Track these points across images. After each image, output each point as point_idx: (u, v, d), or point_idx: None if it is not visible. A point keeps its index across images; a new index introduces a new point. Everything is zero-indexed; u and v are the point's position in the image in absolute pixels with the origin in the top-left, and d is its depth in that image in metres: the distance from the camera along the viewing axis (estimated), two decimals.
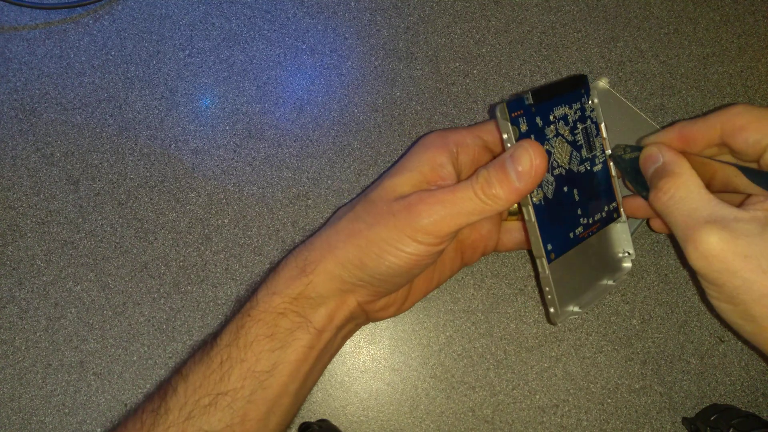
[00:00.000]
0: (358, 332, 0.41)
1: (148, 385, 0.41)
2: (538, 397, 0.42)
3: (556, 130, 0.34)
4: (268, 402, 0.32)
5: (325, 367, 0.36)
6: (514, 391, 0.42)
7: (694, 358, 0.42)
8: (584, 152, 0.36)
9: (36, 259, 0.42)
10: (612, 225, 0.38)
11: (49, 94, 0.44)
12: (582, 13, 0.46)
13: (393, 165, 0.35)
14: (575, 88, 0.35)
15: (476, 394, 0.41)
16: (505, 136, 0.31)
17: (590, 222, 0.36)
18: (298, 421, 0.40)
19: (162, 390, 0.33)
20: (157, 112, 0.44)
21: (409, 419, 0.41)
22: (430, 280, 0.37)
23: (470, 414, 0.41)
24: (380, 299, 0.35)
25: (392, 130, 0.44)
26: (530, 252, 0.34)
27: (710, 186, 0.31)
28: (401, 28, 0.46)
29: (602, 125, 0.37)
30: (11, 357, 0.41)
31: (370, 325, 0.42)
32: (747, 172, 0.31)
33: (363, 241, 0.32)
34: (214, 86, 0.44)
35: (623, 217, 0.38)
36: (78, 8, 0.45)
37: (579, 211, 0.35)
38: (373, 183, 0.35)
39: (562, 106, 0.34)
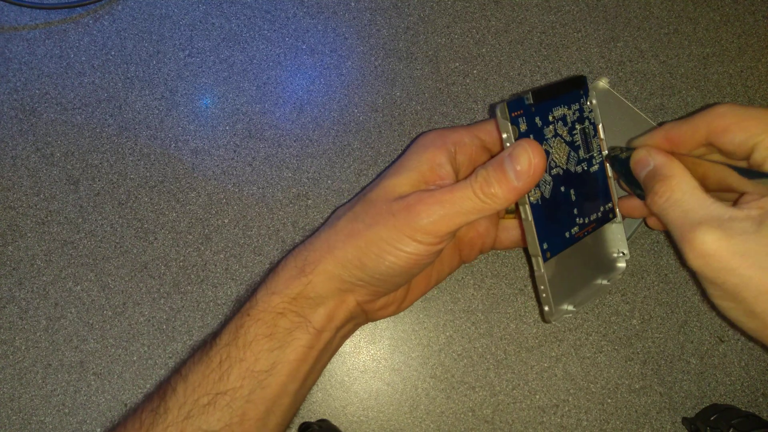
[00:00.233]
0: (358, 332, 0.41)
1: (148, 385, 0.41)
2: (538, 397, 0.42)
3: (555, 130, 0.34)
4: (267, 401, 0.32)
5: (324, 367, 0.36)
6: (514, 391, 0.42)
7: (694, 358, 0.42)
8: (581, 153, 0.36)
9: (36, 259, 0.42)
10: (607, 225, 0.38)
11: (49, 94, 0.44)
12: (582, 13, 0.46)
13: (392, 164, 0.35)
14: (574, 88, 0.36)
15: (476, 394, 0.41)
16: (504, 135, 0.32)
17: (586, 222, 0.36)
18: (298, 421, 0.40)
19: (161, 390, 0.33)
20: (157, 112, 0.44)
21: (409, 419, 0.41)
22: (429, 279, 0.37)
23: (470, 414, 0.41)
24: (379, 299, 0.35)
25: (392, 130, 0.44)
26: (526, 250, 0.34)
27: (704, 185, 0.31)
28: (401, 28, 0.46)
29: (600, 126, 0.37)
30: (11, 357, 0.41)
31: (370, 325, 0.42)
32: (738, 170, 0.31)
33: (362, 241, 0.32)
34: (214, 86, 0.44)
35: (618, 217, 0.38)
36: (78, 8, 0.45)
37: (575, 211, 0.35)
38: (371, 183, 0.35)
39: (561, 107, 0.34)
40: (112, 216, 0.43)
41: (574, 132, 0.35)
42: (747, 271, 0.27)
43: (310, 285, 0.33)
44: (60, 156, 0.43)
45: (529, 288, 0.43)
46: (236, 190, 0.43)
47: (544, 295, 0.34)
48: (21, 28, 0.45)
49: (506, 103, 0.31)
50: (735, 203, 0.30)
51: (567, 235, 0.35)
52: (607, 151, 0.37)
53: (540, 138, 0.33)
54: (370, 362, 0.42)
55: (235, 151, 0.44)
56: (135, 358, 0.41)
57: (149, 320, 0.42)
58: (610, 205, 0.38)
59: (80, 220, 0.43)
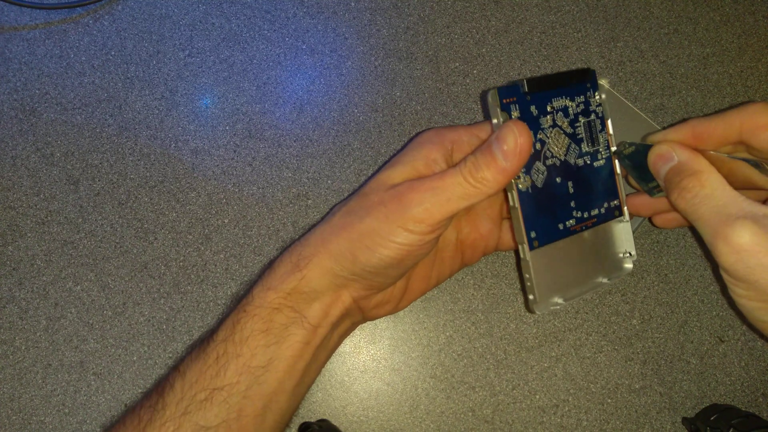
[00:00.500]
0: (357, 332, 0.41)
1: (148, 385, 0.41)
2: (538, 397, 0.42)
3: (554, 120, 0.34)
4: (264, 398, 0.32)
5: (322, 365, 0.36)
6: (514, 391, 0.42)
7: (694, 358, 0.42)
8: (585, 146, 0.35)
9: (36, 259, 0.42)
10: (614, 223, 0.37)
11: (49, 94, 0.44)
12: (582, 13, 0.46)
13: (389, 160, 0.35)
14: (581, 81, 0.35)
15: (476, 394, 0.41)
16: (494, 121, 0.32)
17: (585, 216, 0.35)
18: (297, 421, 0.40)
19: (159, 386, 0.33)
20: (157, 112, 0.44)
21: (409, 419, 0.41)
22: (428, 278, 0.37)
23: (470, 414, 0.41)
24: (376, 295, 0.35)
25: (392, 130, 0.44)
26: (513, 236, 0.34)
27: (729, 182, 0.31)
28: (401, 28, 0.46)
29: (608, 121, 0.37)
30: (11, 357, 0.41)
31: (370, 324, 0.42)
32: (762, 170, 0.30)
33: (354, 233, 0.32)
34: (214, 86, 0.44)
35: (626, 216, 0.37)
36: (78, 8, 0.45)
37: (572, 204, 0.35)
38: (368, 179, 0.35)
39: (562, 98, 0.34)
40: (112, 216, 0.43)
41: (577, 124, 0.35)
42: None
43: (305, 280, 0.33)
44: (60, 156, 0.43)
45: None
46: (236, 190, 0.43)
47: (528, 283, 0.33)
48: (21, 28, 0.45)
49: (497, 89, 0.31)
50: (765, 202, 0.30)
51: (561, 226, 0.34)
52: (615, 147, 0.37)
53: (536, 127, 0.33)
54: (370, 362, 0.42)
55: (235, 151, 0.44)
56: (135, 358, 0.41)
57: (149, 320, 0.42)
58: (615, 202, 0.37)
59: (80, 220, 0.43)
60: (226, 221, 0.43)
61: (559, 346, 0.42)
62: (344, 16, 0.46)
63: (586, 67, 0.36)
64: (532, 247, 0.33)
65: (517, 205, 0.32)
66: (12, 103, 0.44)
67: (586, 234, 0.36)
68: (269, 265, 0.35)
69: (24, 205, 0.43)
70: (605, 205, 0.37)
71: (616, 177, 0.37)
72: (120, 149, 0.43)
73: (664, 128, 0.35)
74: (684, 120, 0.34)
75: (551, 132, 0.34)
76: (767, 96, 0.46)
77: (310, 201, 0.43)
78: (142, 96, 0.44)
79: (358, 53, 0.45)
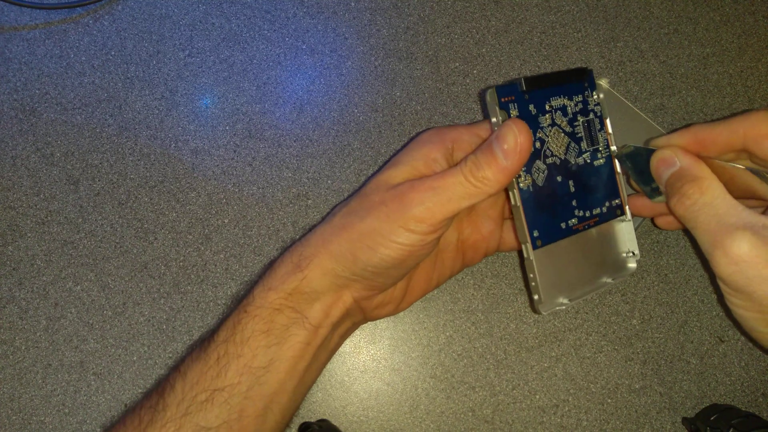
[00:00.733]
0: (357, 332, 0.41)
1: (148, 385, 0.41)
2: (538, 397, 0.42)
3: (552, 119, 0.34)
4: (266, 398, 0.32)
5: (323, 366, 0.36)
6: (514, 391, 0.42)
7: (694, 358, 0.42)
8: (584, 145, 0.35)
9: (36, 259, 0.42)
10: (616, 223, 0.37)
11: (49, 94, 0.44)
12: (582, 13, 0.46)
13: (389, 160, 0.35)
14: (578, 80, 0.35)
15: (476, 394, 0.41)
16: (493, 120, 0.31)
17: (587, 215, 0.35)
18: (298, 421, 0.40)
19: (160, 387, 0.33)
20: (157, 112, 0.44)
21: (409, 419, 0.41)
22: (429, 279, 0.37)
23: (470, 414, 0.41)
24: (377, 295, 0.35)
25: (392, 130, 0.44)
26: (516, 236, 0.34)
27: (729, 191, 0.31)
28: (401, 28, 0.46)
29: (607, 121, 0.37)
30: (11, 357, 0.41)
31: (370, 325, 0.42)
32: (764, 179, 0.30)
33: (355, 233, 0.32)
34: (214, 86, 0.44)
35: (628, 215, 0.37)
36: (78, 8, 0.45)
37: (574, 203, 0.35)
38: (368, 178, 0.35)
39: (560, 97, 0.34)
40: (112, 216, 0.43)
41: (576, 123, 0.35)
42: None
43: (306, 280, 0.33)
44: (60, 156, 0.43)
45: None
46: (236, 190, 0.43)
47: (533, 283, 0.33)
48: (21, 28, 0.45)
49: (495, 87, 0.31)
50: (764, 212, 0.29)
51: (563, 225, 0.34)
52: (615, 147, 0.37)
53: (534, 125, 0.33)
54: (370, 362, 0.42)
55: (235, 151, 0.44)
56: (135, 358, 0.41)
57: (149, 320, 0.42)
58: (617, 201, 0.37)
59: (80, 220, 0.43)
60: (226, 221, 0.43)
61: (559, 346, 0.42)
62: (344, 16, 0.46)
63: (584, 66, 0.36)
64: (535, 246, 0.33)
65: (519, 203, 0.32)
66: (12, 103, 0.44)
67: (588, 233, 0.36)
68: (270, 266, 0.35)
69: (24, 205, 0.43)
70: (606, 204, 0.37)
71: (617, 176, 0.37)
72: (120, 149, 0.43)
73: (666, 133, 0.35)
74: (687, 125, 0.34)
75: (550, 131, 0.34)
76: (767, 96, 0.46)
77: (310, 201, 0.43)
78: (142, 96, 0.44)
79: (358, 53, 0.45)
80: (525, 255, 0.33)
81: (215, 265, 0.42)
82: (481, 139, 0.35)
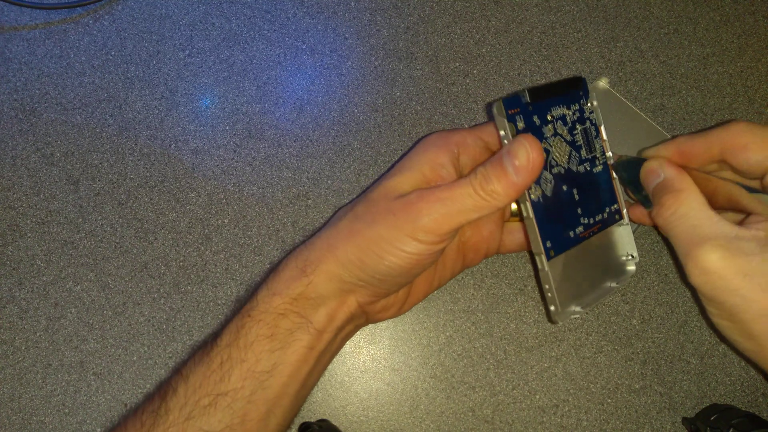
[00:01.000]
0: (358, 332, 0.41)
1: (148, 385, 0.41)
2: (538, 397, 0.42)
3: (554, 129, 0.34)
4: (268, 402, 0.32)
5: (325, 367, 0.36)
6: (514, 391, 0.42)
7: (694, 358, 0.42)
8: (584, 153, 0.36)
9: (36, 259, 0.42)
10: (615, 227, 0.38)
11: (49, 94, 0.44)
12: (582, 13, 0.46)
13: (393, 165, 0.35)
14: (573, 89, 0.36)
15: (476, 394, 0.41)
16: (501, 132, 0.31)
17: (591, 222, 0.36)
18: (298, 421, 0.40)
19: (162, 390, 0.33)
20: (157, 112, 0.44)
21: (409, 419, 0.41)
22: (431, 282, 0.37)
23: (470, 414, 0.41)
24: (381, 300, 0.35)
25: (392, 130, 0.44)
26: (531, 252, 0.34)
27: (713, 201, 0.31)
28: (401, 28, 0.46)
29: (602, 128, 0.37)
30: (11, 357, 0.41)
31: (370, 325, 0.42)
32: (748, 189, 0.31)
33: (363, 240, 0.32)
34: (214, 86, 0.44)
35: (626, 219, 0.38)
36: (78, 8, 0.45)
37: (579, 211, 0.35)
38: (373, 183, 0.35)
39: (560, 107, 0.34)
40: (112, 216, 0.43)
41: (575, 132, 0.35)
42: (749, 292, 0.27)
43: (311, 285, 0.32)
44: (60, 156, 0.43)
45: (529, 288, 0.43)
46: (236, 190, 0.43)
47: (549, 294, 0.33)
48: (21, 28, 0.45)
49: (502, 100, 0.31)
50: (741, 222, 0.30)
51: (571, 234, 0.35)
52: (610, 153, 0.37)
53: (539, 136, 0.33)
54: (370, 362, 0.42)
55: (235, 151, 0.44)
56: (135, 358, 0.41)
57: (149, 320, 0.42)
58: (615, 206, 0.37)
59: (80, 220, 0.43)
60: (226, 221, 0.43)
61: (559, 346, 0.42)
62: (344, 16, 0.46)
63: (577, 75, 0.37)
64: (549, 257, 0.33)
65: (532, 215, 0.32)
66: (12, 103, 0.44)
67: (591, 240, 0.36)
68: (273, 269, 0.34)
69: (24, 205, 0.43)
70: (607, 209, 0.37)
71: (614, 182, 0.38)
72: (120, 149, 0.43)
73: (670, 136, 0.35)
74: (674, 137, 0.34)
75: (554, 141, 0.34)
76: (767, 96, 0.46)
77: (310, 201, 0.43)
78: (142, 96, 0.44)
79: (358, 53, 0.45)
80: (540, 267, 0.33)
81: (215, 265, 0.42)
82: (485, 143, 0.35)
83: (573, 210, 0.35)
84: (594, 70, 0.46)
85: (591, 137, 0.36)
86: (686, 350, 0.42)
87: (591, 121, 0.36)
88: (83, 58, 0.44)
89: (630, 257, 0.38)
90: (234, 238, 0.43)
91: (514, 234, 0.39)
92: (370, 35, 0.45)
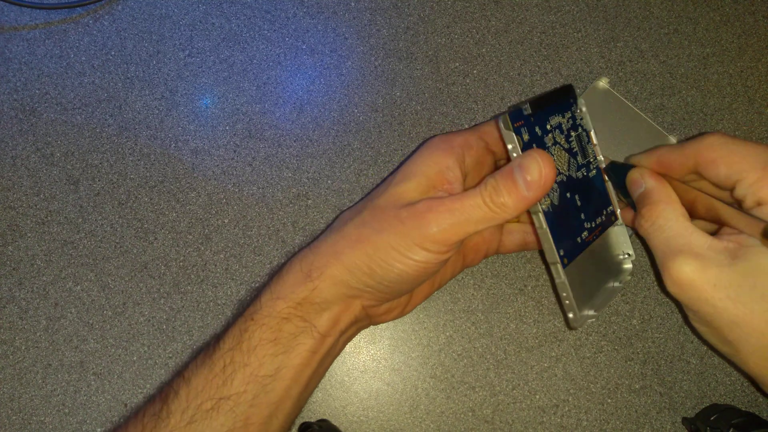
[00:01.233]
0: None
1: (148, 385, 0.41)
2: (538, 397, 0.42)
3: (554, 138, 0.34)
4: (271, 406, 0.32)
5: (326, 370, 0.36)
6: (514, 391, 0.42)
7: (694, 358, 0.42)
8: (579, 159, 0.36)
9: (36, 259, 0.42)
10: (611, 228, 0.38)
11: (49, 94, 0.44)
12: (582, 13, 0.46)
13: (398, 168, 0.35)
14: (565, 97, 0.36)
15: (476, 394, 0.41)
16: (510, 146, 0.32)
17: (593, 226, 0.36)
18: (298, 421, 0.40)
19: (163, 393, 0.33)
20: (157, 112, 0.44)
21: (409, 419, 0.41)
22: (432, 283, 0.37)
23: (470, 414, 0.41)
24: (384, 303, 0.35)
25: (392, 130, 0.44)
26: (543, 256, 0.35)
27: (694, 210, 0.32)
28: (401, 28, 0.46)
29: (592, 132, 0.37)
30: (11, 357, 0.41)
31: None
32: (724, 202, 0.31)
33: (370, 247, 0.32)
34: (214, 86, 0.44)
35: (620, 220, 0.38)
36: (78, 8, 0.45)
37: (582, 216, 0.35)
38: (377, 187, 0.35)
39: (556, 116, 0.35)
40: (112, 216, 0.43)
41: (571, 139, 0.36)
42: (720, 302, 0.28)
43: (316, 290, 0.32)
44: (60, 156, 0.43)
45: (529, 288, 0.43)
46: (236, 190, 0.43)
47: (567, 302, 0.34)
48: (21, 28, 0.45)
49: (508, 114, 0.31)
50: (716, 233, 0.31)
51: (579, 240, 0.35)
52: (602, 157, 0.38)
53: (542, 146, 0.33)
54: (370, 362, 0.42)
55: (235, 151, 0.44)
56: (135, 358, 0.41)
57: (149, 320, 0.42)
58: (610, 208, 0.38)
59: (80, 220, 0.43)
60: (226, 221, 0.43)
61: (559, 346, 0.42)
62: (344, 16, 0.46)
63: (566, 83, 0.38)
64: (564, 266, 0.33)
65: (545, 226, 0.32)
66: (12, 103, 0.44)
67: (595, 243, 0.37)
68: (277, 272, 0.34)
69: (24, 205, 0.43)
70: (604, 212, 0.37)
71: (606, 185, 0.38)
72: (120, 149, 0.43)
73: (642, 152, 0.36)
74: (656, 147, 0.35)
75: (555, 149, 0.34)
76: (767, 96, 0.46)
77: (310, 201, 0.43)
78: (142, 96, 0.44)
79: (358, 53, 0.45)
80: (555, 276, 0.34)
81: (215, 265, 0.42)
82: (486, 143, 0.36)
83: (578, 216, 0.35)
84: (594, 70, 0.46)
85: (584, 143, 0.37)
86: (686, 350, 0.42)
87: (582, 127, 0.37)
88: (83, 58, 0.44)
89: (626, 255, 0.39)
90: (234, 238, 0.43)
91: (513, 234, 0.39)
92: (370, 35, 0.45)
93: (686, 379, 0.42)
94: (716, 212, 0.31)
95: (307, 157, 0.44)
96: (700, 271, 0.28)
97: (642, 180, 0.34)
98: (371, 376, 0.42)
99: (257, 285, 0.42)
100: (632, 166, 0.35)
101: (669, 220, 0.31)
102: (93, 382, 0.41)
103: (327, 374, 0.41)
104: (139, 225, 0.43)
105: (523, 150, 0.31)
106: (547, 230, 0.32)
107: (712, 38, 0.47)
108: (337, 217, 0.36)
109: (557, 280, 0.34)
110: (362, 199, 0.37)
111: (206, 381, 0.32)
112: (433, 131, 0.45)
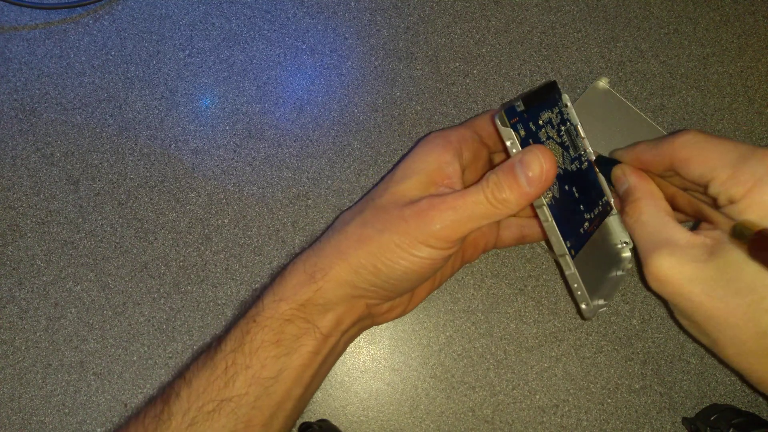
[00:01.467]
0: None
1: (148, 385, 0.41)
2: (538, 397, 0.42)
3: (547, 133, 0.35)
4: (272, 407, 0.32)
5: (328, 371, 0.36)
6: (514, 391, 0.42)
7: (694, 358, 0.42)
8: (571, 152, 0.37)
9: (36, 259, 0.42)
10: (608, 218, 0.39)
11: (49, 94, 0.44)
12: (582, 13, 0.46)
13: (396, 166, 0.35)
14: (550, 93, 0.36)
15: (476, 394, 0.41)
16: (508, 142, 0.32)
17: (592, 216, 0.37)
18: (298, 422, 0.40)
19: (165, 394, 0.33)
20: (157, 112, 0.44)
21: (409, 419, 0.41)
22: (434, 281, 0.37)
23: (470, 414, 0.41)
24: (386, 302, 0.35)
25: (392, 130, 0.44)
26: (550, 247, 0.35)
27: (676, 203, 0.33)
28: (401, 28, 0.46)
29: (579, 126, 0.38)
30: (11, 357, 0.41)
31: None
32: (702, 202, 0.32)
33: (375, 247, 0.32)
34: (214, 86, 0.44)
35: (615, 209, 0.39)
36: (78, 8, 0.45)
37: (582, 208, 0.36)
38: (376, 186, 0.35)
39: (546, 111, 0.35)
40: (112, 216, 0.43)
41: (562, 133, 0.36)
42: (696, 297, 0.29)
43: (320, 291, 0.32)
44: (60, 156, 0.43)
45: (529, 288, 0.43)
46: (236, 190, 0.43)
47: (579, 293, 0.34)
48: (21, 28, 0.45)
49: (503, 111, 0.32)
50: (696, 227, 0.32)
51: (581, 231, 0.35)
52: (591, 149, 0.38)
53: (537, 141, 0.34)
54: (370, 362, 0.42)
55: (235, 151, 0.44)
56: (135, 358, 0.41)
57: (149, 320, 0.42)
58: (605, 198, 0.38)
59: (80, 220, 0.43)
60: (226, 221, 0.43)
61: (559, 346, 0.42)
62: (344, 16, 0.46)
63: (550, 80, 0.38)
64: (572, 257, 0.34)
65: (551, 219, 0.33)
66: (12, 103, 0.44)
67: (596, 234, 0.37)
68: (279, 273, 0.34)
69: (24, 205, 0.43)
70: (599, 203, 0.38)
71: (598, 176, 0.39)
72: (120, 149, 0.43)
73: (623, 148, 0.36)
74: (635, 143, 0.35)
75: (548, 144, 0.35)
76: (767, 96, 0.46)
77: (310, 201, 0.43)
78: (142, 96, 0.44)
79: (358, 53, 0.45)
80: (565, 268, 0.34)
81: (215, 265, 0.42)
82: (480, 137, 0.36)
83: (577, 208, 0.36)
84: (594, 70, 0.46)
85: (573, 136, 0.37)
86: (686, 350, 0.42)
87: (570, 121, 0.37)
88: (83, 58, 0.44)
89: (624, 244, 0.39)
90: (234, 238, 0.43)
91: (511, 229, 0.39)
92: (370, 35, 0.45)
93: (686, 379, 0.42)
94: (695, 207, 0.32)
95: (307, 157, 0.44)
96: (678, 266, 0.29)
97: (624, 177, 0.35)
98: (371, 376, 0.42)
99: (257, 285, 0.42)
100: (617, 161, 0.36)
101: (651, 216, 0.32)
102: (93, 382, 0.41)
103: (327, 374, 0.41)
104: (139, 225, 0.43)
105: (521, 145, 0.32)
106: (553, 223, 0.33)
107: (712, 38, 0.47)
108: (337, 217, 0.36)
109: (567, 272, 0.34)
110: (362, 198, 0.37)
111: (208, 383, 0.32)
112: (433, 131, 0.45)
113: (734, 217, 0.29)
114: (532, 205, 0.33)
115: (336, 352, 0.35)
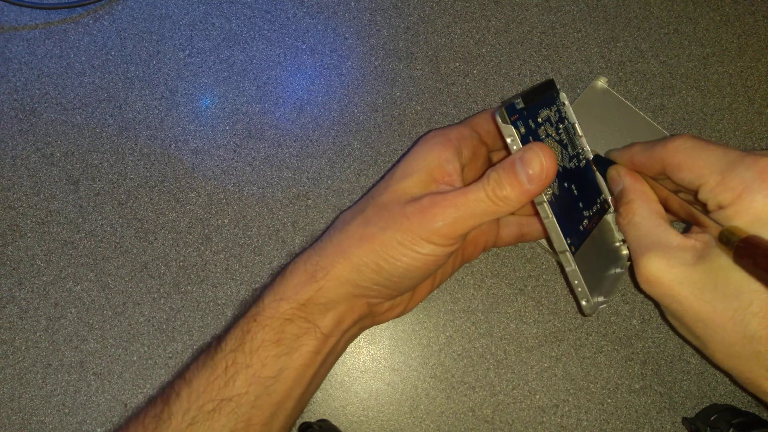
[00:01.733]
0: None
1: (148, 385, 0.41)
2: (538, 397, 0.42)
3: (546, 131, 0.35)
4: (273, 406, 0.32)
5: (328, 370, 0.36)
6: (514, 391, 0.42)
7: (694, 358, 0.42)
8: (570, 150, 0.37)
9: (36, 259, 0.42)
10: (605, 216, 0.39)
11: (49, 94, 0.44)
12: (582, 13, 0.46)
13: (395, 164, 0.35)
14: (549, 91, 0.37)
15: (476, 394, 0.41)
16: (509, 139, 0.32)
17: (591, 214, 0.37)
18: (298, 422, 0.40)
19: (165, 394, 0.33)
20: (157, 112, 0.44)
21: (409, 419, 0.41)
22: (434, 280, 0.37)
23: (470, 414, 0.41)
24: (387, 301, 0.35)
25: (392, 130, 0.44)
26: (550, 245, 0.35)
27: (669, 205, 0.33)
28: (401, 28, 0.46)
29: (576, 125, 0.38)
30: (11, 357, 0.41)
31: None
32: (692, 206, 0.32)
33: (377, 244, 0.32)
34: (214, 86, 0.44)
35: (612, 207, 0.39)
36: (78, 8, 0.45)
37: (581, 205, 0.36)
38: (376, 185, 0.35)
39: (544, 109, 0.35)
40: (112, 216, 0.43)
41: (560, 131, 0.36)
42: (685, 299, 0.29)
43: (321, 291, 0.32)
44: (60, 156, 0.43)
45: (529, 288, 0.43)
46: (236, 190, 0.43)
47: (579, 289, 0.34)
48: (21, 28, 0.45)
49: (504, 108, 0.32)
50: (687, 230, 0.32)
51: (581, 228, 0.36)
52: (588, 147, 0.38)
53: (536, 138, 0.34)
54: (370, 362, 0.42)
55: (235, 151, 0.44)
56: (135, 358, 0.41)
57: (149, 320, 0.42)
58: (603, 196, 0.39)
59: (80, 220, 0.43)
60: (226, 221, 0.43)
61: (559, 346, 0.42)
62: (344, 16, 0.46)
63: (548, 78, 0.38)
64: (573, 254, 0.34)
65: (551, 216, 0.33)
66: (12, 103, 0.44)
67: (595, 232, 0.37)
68: (280, 273, 0.34)
69: (24, 205, 0.43)
70: (597, 200, 0.38)
71: (596, 174, 0.39)
72: (120, 149, 0.43)
73: (619, 149, 0.36)
74: (631, 144, 0.35)
75: (548, 141, 0.35)
76: (767, 96, 0.46)
77: (310, 201, 0.43)
78: (142, 96, 0.44)
79: (358, 53, 0.45)
80: (566, 264, 0.34)
81: (215, 265, 0.42)
82: (479, 135, 0.36)
83: (576, 205, 0.36)
84: (594, 70, 0.46)
85: (571, 134, 0.37)
86: (686, 350, 0.42)
87: (568, 120, 0.37)
88: (83, 58, 0.44)
89: (622, 242, 0.39)
90: (234, 238, 0.43)
91: (510, 227, 0.39)
92: (370, 35, 0.45)
93: (686, 379, 0.42)
94: (687, 210, 0.32)
95: (307, 157, 0.44)
96: (668, 268, 0.29)
97: (619, 178, 0.35)
98: (371, 376, 0.42)
99: (257, 285, 0.42)
100: (612, 162, 0.36)
101: (643, 218, 0.32)
102: (93, 382, 0.41)
103: (327, 374, 0.41)
104: (139, 225, 0.43)
105: (521, 142, 0.32)
106: (554, 219, 0.33)
107: (712, 38, 0.47)
108: (337, 217, 0.36)
109: (568, 269, 0.34)
110: (362, 197, 0.37)
111: (208, 382, 0.32)
112: (432, 129, 0.45)
113: (723, 222, 0.29)
114: (532, 203, 0.33)
115: (336, 351, 0.35)
